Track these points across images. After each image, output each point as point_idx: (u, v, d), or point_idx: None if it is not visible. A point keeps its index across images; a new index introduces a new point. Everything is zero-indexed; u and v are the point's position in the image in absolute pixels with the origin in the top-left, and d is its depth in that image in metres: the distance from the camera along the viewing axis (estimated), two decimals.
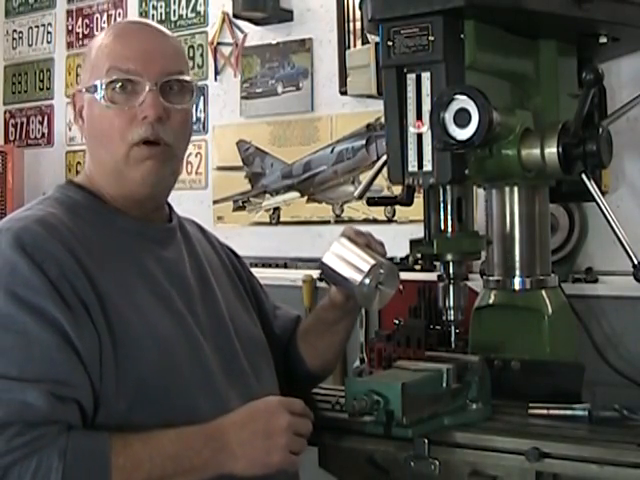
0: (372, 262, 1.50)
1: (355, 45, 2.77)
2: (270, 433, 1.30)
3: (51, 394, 1.18)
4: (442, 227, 1.61)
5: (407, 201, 1.79)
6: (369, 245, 1.55)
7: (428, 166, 1.54)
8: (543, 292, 1.74)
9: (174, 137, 1.42)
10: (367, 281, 1.48)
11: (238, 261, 1.70)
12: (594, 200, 1.56)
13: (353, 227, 1.58)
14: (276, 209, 3.05)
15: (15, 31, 3.80)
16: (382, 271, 1.50)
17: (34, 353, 1.20)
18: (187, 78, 1.44)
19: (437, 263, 1.95)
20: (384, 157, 1.77)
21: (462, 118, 1.46)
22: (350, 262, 1.51)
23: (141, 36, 1.43)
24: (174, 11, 3.32)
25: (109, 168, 1.42)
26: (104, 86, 1.38)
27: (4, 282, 1.24)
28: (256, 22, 3.03)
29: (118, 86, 1.38)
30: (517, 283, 1.74)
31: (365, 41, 2.65)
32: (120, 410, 1.26)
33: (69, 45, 3.61)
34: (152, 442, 1.24)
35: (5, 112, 3.82)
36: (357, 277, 1.49)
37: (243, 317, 1.57)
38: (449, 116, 1.47)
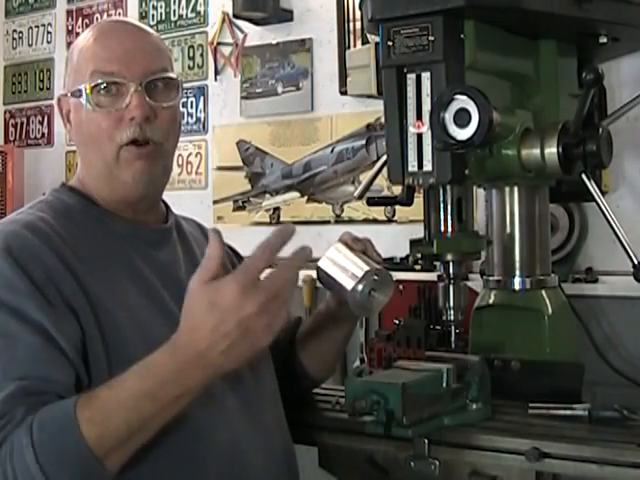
0: (366, 268, 1.47)
1: (355, 45, 2.77)
2: (246, 329, 1.14)
3: (26, 388, 1.16)
4: (442, 227, 1.61)
5: (407, 201, 1.79)
6: (365, 251, 1.54)
7: (428, 166, 1.54)
8: (543, 292, 1.74)
9: (162, 135, 1.42)
10: (360, 287, 1.46)
11: (239, 262, 1.69)
12: (594, 200, 1.56)
13: (350, 233, 1.57)
14: (276, 209, 3.05)
15: (15, 31, 3.80)
16: (376, 278, 1.48)
17: (18, 354, 1.20)
18: (171, 75, 1.44)
19: (437, 263, 1.95)
20: (384, 157, 1.77)
21: (462, 118, 1.46)
22: (344, 268, 1.49)
23: (121, 36, 1.42)
24: (174, 11, 3.33)
25: (100, 171, 1.41)
26: (88, 90, 1.38)
27: None
28: (256, 22, 3.03)
29: (102, 89, 1.38)
30: (517, 283, 1.74)
31: (365, 41, 2.65)
32: None
33: (69, 45, 3.60)
34: (117, 386, 1.16)
35: (5, 112, 3.83)
36: (350, 283, 1.47)
37: None
38: (449, 116, 1.47)
